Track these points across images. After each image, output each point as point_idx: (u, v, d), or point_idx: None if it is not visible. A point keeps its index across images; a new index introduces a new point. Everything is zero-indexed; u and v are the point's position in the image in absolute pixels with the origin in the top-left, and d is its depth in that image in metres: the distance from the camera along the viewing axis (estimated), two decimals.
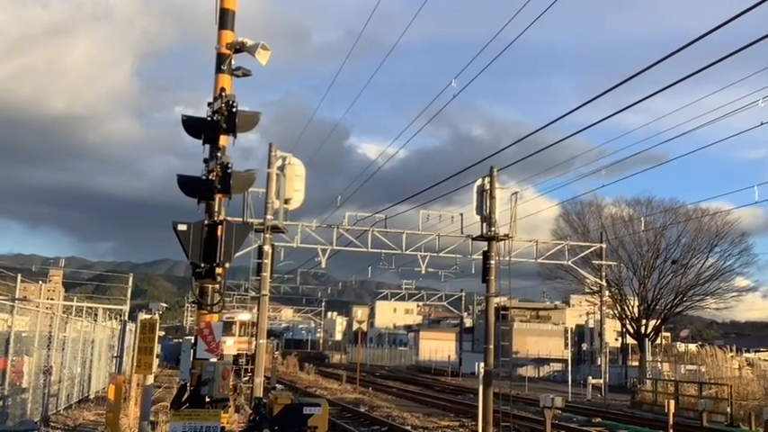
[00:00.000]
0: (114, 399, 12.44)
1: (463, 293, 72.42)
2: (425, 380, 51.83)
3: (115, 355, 28.60)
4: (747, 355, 52.72)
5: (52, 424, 17.82)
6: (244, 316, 47.25)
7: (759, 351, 64.38)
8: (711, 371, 32.11)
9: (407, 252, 32.71)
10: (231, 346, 40.66)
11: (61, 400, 20.51)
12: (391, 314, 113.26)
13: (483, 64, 14.96)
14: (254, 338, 45.57)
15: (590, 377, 38.66)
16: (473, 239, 27.01)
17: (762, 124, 17.70)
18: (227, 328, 42.98)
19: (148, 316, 14.18)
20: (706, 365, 33.21)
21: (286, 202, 22.65)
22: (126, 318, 29.21)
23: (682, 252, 53.77)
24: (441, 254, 33.15)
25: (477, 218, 23.43)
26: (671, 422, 18.87)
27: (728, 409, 25.66)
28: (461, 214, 29.96)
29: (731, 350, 36.23)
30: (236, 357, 40.01)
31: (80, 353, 23.35)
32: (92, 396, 25.74)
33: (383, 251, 32.88)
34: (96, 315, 27.98)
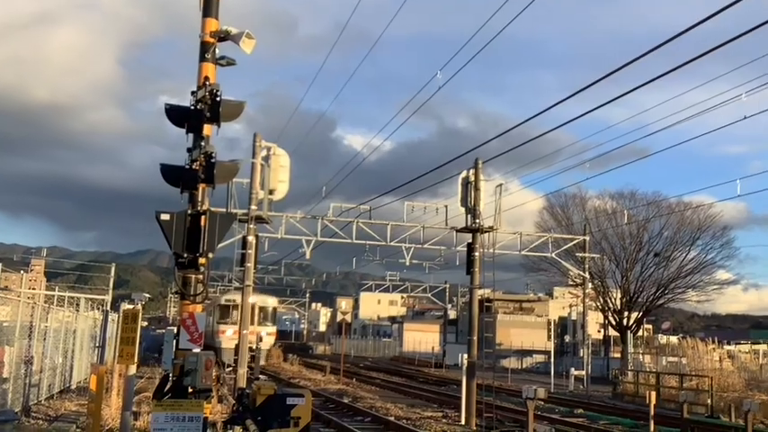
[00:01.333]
0: (96, 389, 12.36)
1: (447, 285, 72.72)
2: (409, 371, 51.96)
3: (97, 345, 28.45)
4: (728, 347, 53.21)
5: (33, 414, 17.71)
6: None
7: (739, 343, 65.03)
8: (692, 363, 32.40)
9: (392, 243, 32.73)
10: (231, 336, 33.68)
11: (42, 391, 20.38)
12: (375, 305, 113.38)
13: (470, 57, 14.99)
14: (261, 327, 40.37)
15: (572, 369, 38.90)
16: (458, 231, 27.08)
17: (745, 118, 17.82)
18: (226, 313, 38.98)
19: (131, 306, 14.12)
20: (687, 357, 33.51)
21: (270, 192, 22.57)
22: (108, 308, 29.00)
23: (664, 245, 54.26)
24: (425, 245, 33.18)
25: (462, 210, 23.49)
26: (652, 413, 19.04)
27: (709, 401, 25.92)
28: (446, 206, 30.01)
29: (712, 342, 36.55)
30: (237, 351, 35.81)
31: (62, 343, 23.20)
32: (73, 386, 25.60)
33: (368, 242, 32.88)
34: (78, 305, 27.79)
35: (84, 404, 18.75)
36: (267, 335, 41.91)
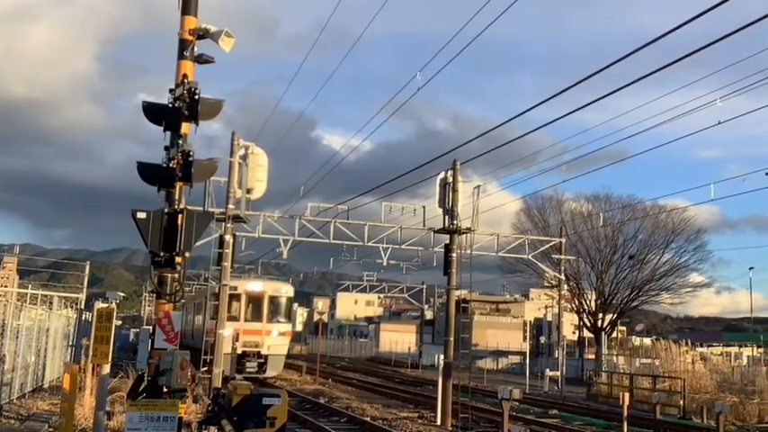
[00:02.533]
0: (69, 388, 12.24)
1: (424, 286, 72.78)
2: (385, 371, 52.00)
3: (70, 344, 28.17)
4: (700, 349, 53.73)
5: (5, 413, 17.48)
6: (255, 285, 33.68)
7: (712, 345, 65.87)
8: (665, 364, 32.71)
9: (369, 244, 32.66)
10: (230, 337, 26.37)
11: (14, 390, 20.12)
12: (352, 306, 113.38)
13: (449, 59, 15.05)
14: (272, 324, 32.69)
15: (547, 369, 39.15)
16: (435, 232, 27.13)
17: (719, 123, 18.08)
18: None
19: (105, 305, 14.00)
20: (660, 359, 33.82)
21: (248, 191, 22.48)
22: (82, 306, 28.71)
23: (639, 248, 54.61)
24: (403, 246, 33.14)
25: (440, 211, 23.55)
26: (625, 414, 19.20)
27: (682, 403, 26.21)
28: (424, 207, 29.98)
29: (685, 344, 36.90)
30: (241, 357, 29.89)
31: (34, 341, 22.93)
32: (46, 385, 25.30)
33: (345, 243, 32.79)
34: (51, 303, 27.49)
35: (56, 403, 18.56)
36: (279, 335, 33.39)
